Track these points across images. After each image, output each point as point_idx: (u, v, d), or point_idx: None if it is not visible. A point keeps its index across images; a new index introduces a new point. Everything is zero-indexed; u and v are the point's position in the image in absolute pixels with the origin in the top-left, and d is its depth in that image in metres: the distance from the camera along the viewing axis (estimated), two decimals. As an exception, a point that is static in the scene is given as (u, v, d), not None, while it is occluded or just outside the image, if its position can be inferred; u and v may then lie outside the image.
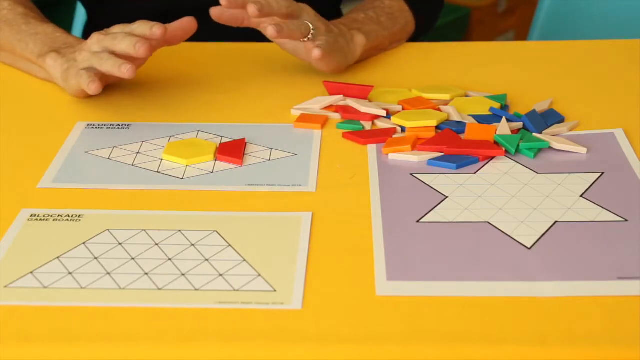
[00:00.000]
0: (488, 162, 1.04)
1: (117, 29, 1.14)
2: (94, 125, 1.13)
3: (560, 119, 1.13)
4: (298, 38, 1.18)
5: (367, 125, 1.13)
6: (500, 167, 1.03)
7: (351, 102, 1.16)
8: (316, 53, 1.16)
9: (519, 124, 1.11)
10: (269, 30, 1.14)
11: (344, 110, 1.15)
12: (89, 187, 1.00)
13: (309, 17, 1.20)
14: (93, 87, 1.09)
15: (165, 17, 1.41)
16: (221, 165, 1.05)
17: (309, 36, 1.18)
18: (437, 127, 1.11)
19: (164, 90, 1.22)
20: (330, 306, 0.82)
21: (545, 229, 0.92)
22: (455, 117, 1.12)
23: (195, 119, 1.15)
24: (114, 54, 1.11)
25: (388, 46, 1.34)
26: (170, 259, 0.88)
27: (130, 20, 1.14)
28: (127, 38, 1.10)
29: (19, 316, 0.81)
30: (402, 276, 0.85)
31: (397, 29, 1.33)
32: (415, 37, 1.38)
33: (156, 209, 0.96)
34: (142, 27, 1.12)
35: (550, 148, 1.07)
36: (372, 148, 1.07)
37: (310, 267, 0.87)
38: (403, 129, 1.11)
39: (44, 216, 0.95)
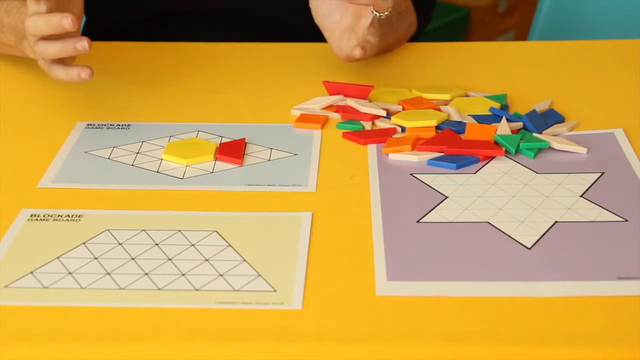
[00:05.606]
0: (488, 162, 1.04)
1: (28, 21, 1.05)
2: (94, 125, 1.13)
3: (560, 119, 1.13)
4: (378, 7, 1.14)
5: (367, 125, 1.13)
6: (500, 167, 1.03)
7: (351, 102, 1.16)
8: (357, 52, 1.14)
9: (519, 124, 1.11)
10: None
11: (344, 110, 1.15)
12: (89, 187, 1.00)
13: None
14: (84, 76, 1.04)
15: (163, 19, 1.42)
16: (221, 165, 1.05)
17: (382, 15, 1.15)
18: (437, 127, 1.11)
19: (164, 90, 1.22)
20: (330, 306, 0.82)
21: (545, 229, 0.92)
22: (455, 117, 1.12)
23: (195, 119, 1.15)
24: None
25: (393, 46, 1.33)
26: (170, 259, 0.88)
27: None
28: (45, 20, 1.02)
29: (19, 316, 0.81)
30: (402, 276, 0.85)
31: (402, 30, 1.33)
32: (412, 38, 1.38)
33: (156, 209, 0.96)
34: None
35: (550, 148, 1.07)
36: (372, 148, 1.07)
37: (310, 267, 0.87)
38: (403, 129, 1.11)
39: (44, 216, 0.95)
